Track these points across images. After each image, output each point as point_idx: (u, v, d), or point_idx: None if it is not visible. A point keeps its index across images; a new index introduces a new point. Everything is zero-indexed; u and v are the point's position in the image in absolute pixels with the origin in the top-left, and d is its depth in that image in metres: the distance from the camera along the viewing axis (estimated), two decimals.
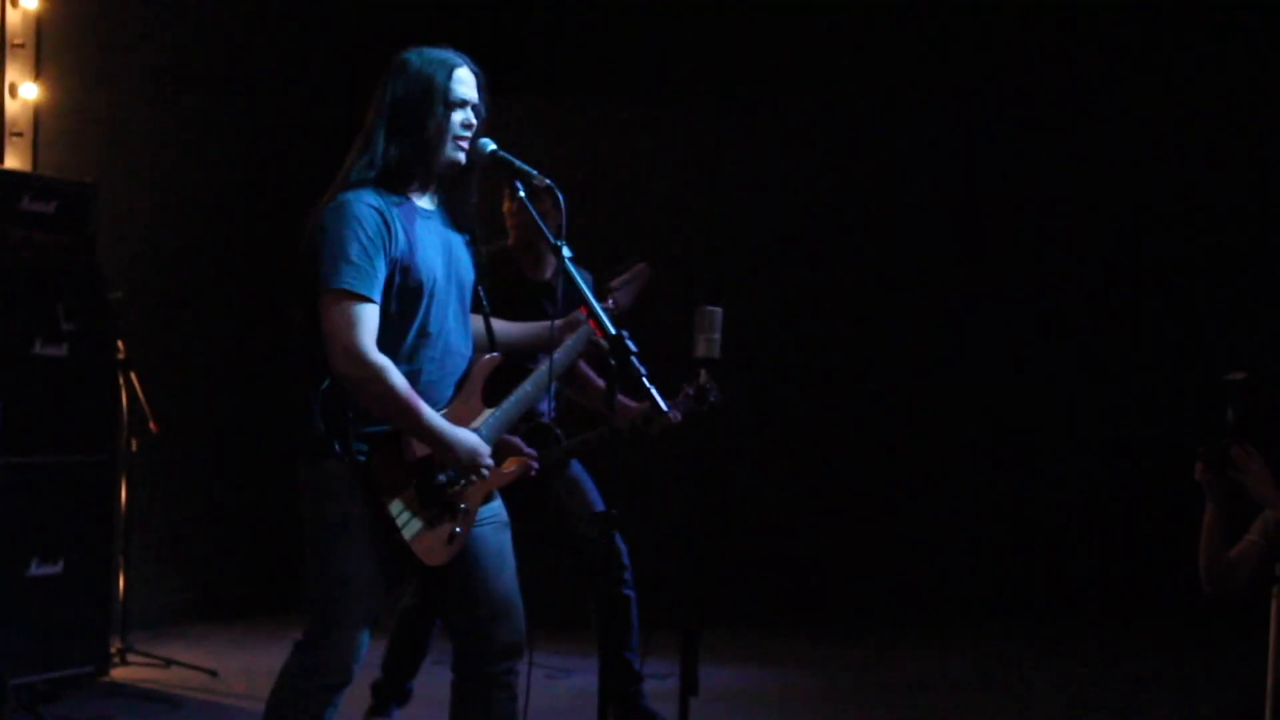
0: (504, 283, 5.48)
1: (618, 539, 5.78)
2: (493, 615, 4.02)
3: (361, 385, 3.75)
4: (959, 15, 9.48)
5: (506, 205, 5.75)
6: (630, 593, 5.80)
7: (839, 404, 9.30)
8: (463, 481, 3.92)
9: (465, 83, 3.95)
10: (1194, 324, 9.15)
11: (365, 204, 3.80)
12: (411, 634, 5.76)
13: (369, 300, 3.75)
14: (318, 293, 3.77)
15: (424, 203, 3.96)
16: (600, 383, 5.67)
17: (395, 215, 3.83)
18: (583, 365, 5.78)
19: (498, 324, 4.21)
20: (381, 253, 3.77)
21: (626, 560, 5.79)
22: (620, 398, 5.55)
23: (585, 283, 3.95)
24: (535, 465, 4.22)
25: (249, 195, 8.73)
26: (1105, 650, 8.24)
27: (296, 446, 3.88)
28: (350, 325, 3.73)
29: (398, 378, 3.76)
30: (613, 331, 3.83)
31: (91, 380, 6.52)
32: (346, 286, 3.73)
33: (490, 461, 3.92)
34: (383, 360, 3.75)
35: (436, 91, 3.89)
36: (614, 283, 4.77)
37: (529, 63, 9.55)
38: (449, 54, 3.97)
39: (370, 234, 3.76)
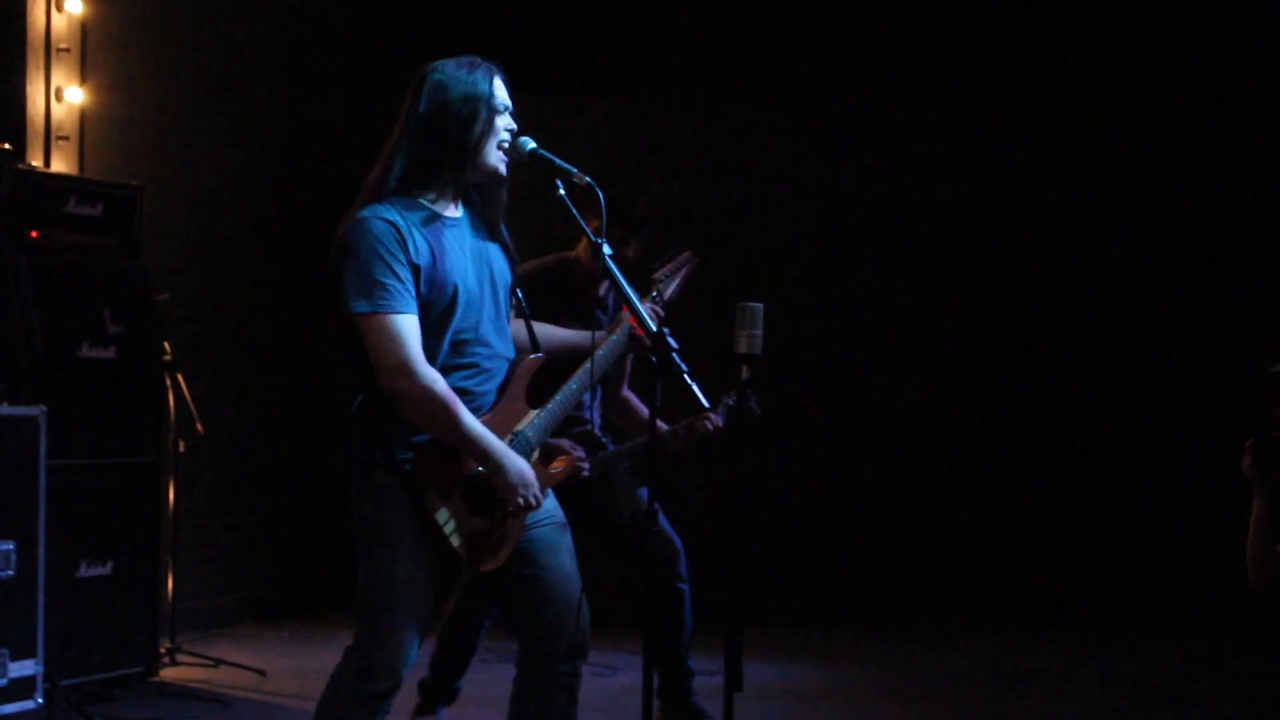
0: (562, 292, 5.47)
1: (672, 533, 5.75)
2: (556, 616, 4.01)
3: (414, 402, 3.76)
4: (971, 17, 9.46)
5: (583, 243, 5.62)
6: (684, 586, 5.77)
7: (886, 400, 9.25)
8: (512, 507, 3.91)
9: (503, 89, 3.96)
10: (1211, 320, 9.15)
11: (380, 219, 3.80)
12: (459, 634, 5.76)
13: (406, 314, 3.76)
14: (344, 308, 3.79)
15: (450, 211, 3.95)
16: (644, 410, 5.62)
17: (414, 225, 3.83)
18: (627, 391, 5.76)
19: (539, 327, 4.21)
20: (405, 265, 3.77)
21: (682, 551, 5.75)
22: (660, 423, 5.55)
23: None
24: (585, 466, 4.17)
25: (294, 197, 8.77)
26: (1156, 644, 8.17)
27: (345, 455, 3.90)
28: (396, 343, 3.74)
29: (448, 392, 3.77)
30: (654, 329, 3.83)
31: (138, 382, 6.56)
32: (381, 308, 3.75)
33: (538, 495, 3.91)
34: (434, 374, 3.76)
35: (481, 98, 3.88)
36: (659, 273, 4.70)
37: (556, 62, 9.56)
38: (481, 62, 3.97)
39: (390, 249, 3.76)
